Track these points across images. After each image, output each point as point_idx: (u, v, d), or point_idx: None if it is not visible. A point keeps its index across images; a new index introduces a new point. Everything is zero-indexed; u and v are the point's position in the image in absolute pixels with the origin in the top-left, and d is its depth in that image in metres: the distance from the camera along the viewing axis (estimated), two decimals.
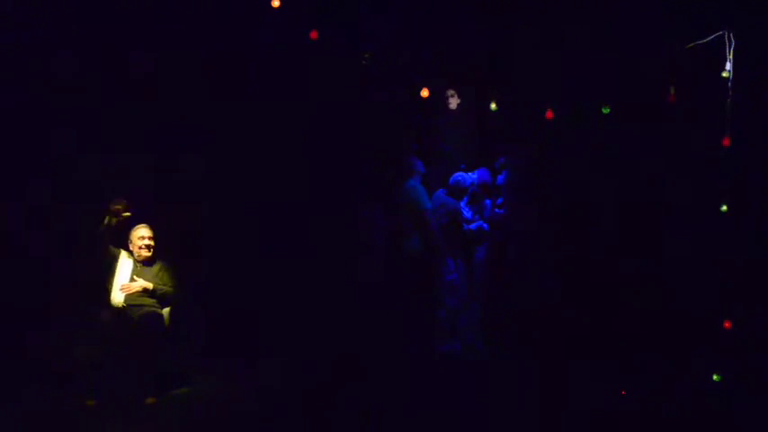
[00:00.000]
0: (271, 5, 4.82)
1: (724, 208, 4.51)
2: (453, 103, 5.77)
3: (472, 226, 6.07)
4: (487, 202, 6.14)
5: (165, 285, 4.94)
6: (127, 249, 4.95)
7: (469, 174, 6.10)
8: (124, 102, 5.46)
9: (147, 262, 4.96)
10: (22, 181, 5.26)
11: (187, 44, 5.36)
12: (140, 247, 4.90)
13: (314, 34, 4.95)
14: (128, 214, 4.71)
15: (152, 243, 4.93)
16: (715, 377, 4.44)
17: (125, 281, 4.84)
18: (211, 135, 5.78)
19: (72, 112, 5.34)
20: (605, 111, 4.97)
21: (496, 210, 5.96)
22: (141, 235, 4.92)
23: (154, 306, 4.83)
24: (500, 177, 5.92)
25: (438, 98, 5.72)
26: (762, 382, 4.36)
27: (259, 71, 5.69)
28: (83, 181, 5.38)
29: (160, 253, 5.03)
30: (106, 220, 4.68)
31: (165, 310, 4.93)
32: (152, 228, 4.98)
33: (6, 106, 5.17)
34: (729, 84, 4.48)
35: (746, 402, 4.32)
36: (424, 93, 5.28)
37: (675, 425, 4.25)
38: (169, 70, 5.46)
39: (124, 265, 4.90)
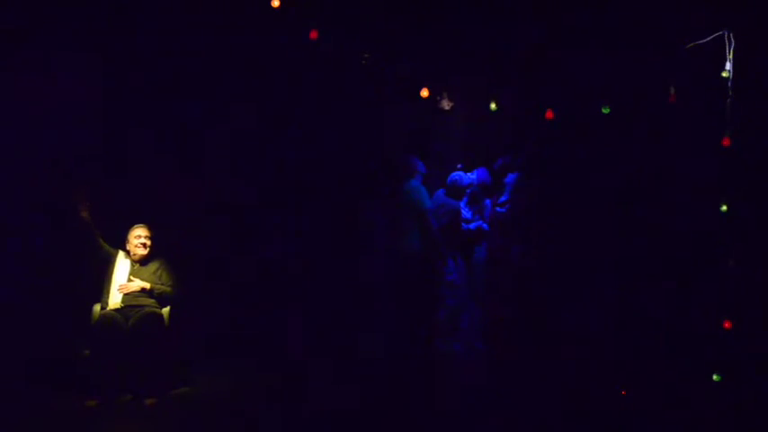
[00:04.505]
0: (270, 5, 4.81)
1: (724, 208, 4.51)
2: (446, 104, 5.77)
3: (472, 226, 6.07)
4: (487, 201, 6.14)
5: (163, 285, 4.94)
6: (124, 249, 4.96)
7: (468, 174, 6.10)
8: (125, 102, 5.45)
9: (144, 261, 4.96)
10: (21, 179, 5.26)
11: (187, 43, 5.36)
12: (136, 246, 4.91)
13: (314, 34, 4.95)
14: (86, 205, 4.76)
15: (148, 242, 4.94)
16: (715, 377, 4.43)
17: (122, 281, 4.85)
18: (211, 135, 5.78)
19: (71, 110, 5.34)
20: (605, 111, 4.97)
21: (497, 209, 5.96)
22: (137, 234, 4.94)
23: (153, 306, 4.83)
24: (510, 176, 5.90)
25: (438, 98, 5.73)
26: (762, 382, 4.36)
27: (259, 71, 5.69)
28: (82, 180, 5.38)
29: (159, 252, 5.04)
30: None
31: (165, 310, 4.92)
32: (149, 227, 4.99)
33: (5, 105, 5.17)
34: (729, 84, 4.48)
35: (746, 402, 4.33)
36: (424, 93, 5.28)
37: (675, 425, 4.25)
38: (168, 69, 5.46)
39: (121, 265, 4.91)
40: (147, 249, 4.95)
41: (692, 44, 4.61)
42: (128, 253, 4.96)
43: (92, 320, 4.74)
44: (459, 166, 6.12)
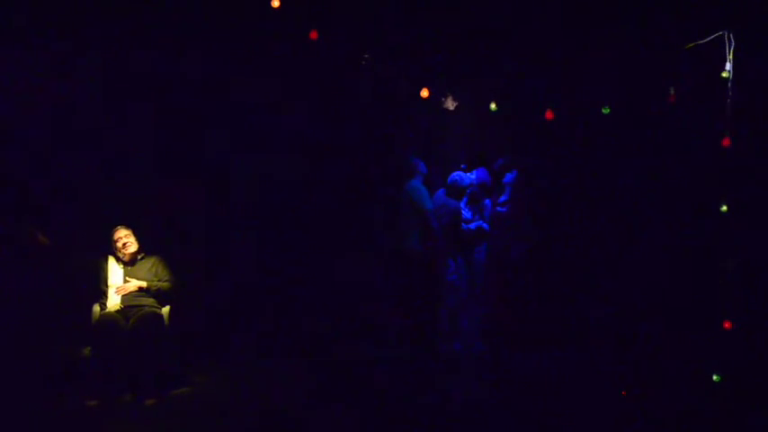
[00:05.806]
0: (270, 5, 4.81)
1: (724, 208, 4.51)
2: (450, 103, 5.77)
3: (472, 226, 6.07)
4: (487, 201, 6.14)
5: (160, 280, 4.93)
6: (114, 254, 4.97)
7: (468, 174, 6.10)
8: (122, 97, 5.45)
9: (135, 261, 4.96)
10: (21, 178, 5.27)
11: (188, 41, 5.36)
12: (120, 249, 4.91)
13: (314, 34, 4.95)
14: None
15: (130, 240, 4.94)
16: (715, 377, 4.43)
17: (119, 284, 4.85)
18: (211, 134, 5.78)
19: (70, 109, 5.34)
20: (605, 111, 4.98)
21: (498, 209, 5.96)
22: (118, 236, 4.94)
23: (153, 306, 4.83)
24: (508, 175, 5.91)
25: (438, 98, 5.73)
26: (762, 382, 4.36)
27: (260, 70, 5.69)
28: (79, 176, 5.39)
29: (155, 249, 5.04)
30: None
31: (165, 310, 4.92)
32: (127, 226, 4.99)
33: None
34: (729, 84, 4.48)
35: (746, 402, 4.32)
36: (424, 93, 5.28)
37: (675, 425, 4.25)
38: (168, 67, 5.46)
39: (115, 268, 4.91)
40: (134, 247, 4.94)
41: (692, 44, 4.61)
42: (118, 258, 4.97)
43: (92, 320, 4.74)
44: (462, 166, 6.12)
